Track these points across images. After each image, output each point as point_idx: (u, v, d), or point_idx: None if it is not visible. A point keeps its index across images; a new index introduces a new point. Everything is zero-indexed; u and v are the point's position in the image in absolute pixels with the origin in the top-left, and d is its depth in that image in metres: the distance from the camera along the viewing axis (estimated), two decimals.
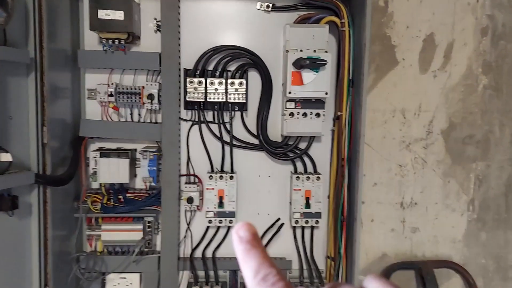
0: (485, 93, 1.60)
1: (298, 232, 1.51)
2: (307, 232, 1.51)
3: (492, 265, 1.67)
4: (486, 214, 1.65)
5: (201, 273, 1.48)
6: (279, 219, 1.50)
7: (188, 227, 1.49)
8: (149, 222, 1.45)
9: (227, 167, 1.48)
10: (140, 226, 1.43)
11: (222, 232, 1.50)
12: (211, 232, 1.50)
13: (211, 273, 1.48)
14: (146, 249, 1.46)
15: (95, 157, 1.37)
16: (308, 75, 1.34)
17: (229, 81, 1.40)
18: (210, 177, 1.44)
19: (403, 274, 1.65)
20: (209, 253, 1.50)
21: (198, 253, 1.49)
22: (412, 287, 1.67)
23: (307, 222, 1.46)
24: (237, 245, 0.29)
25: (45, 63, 1.17)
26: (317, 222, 1.47)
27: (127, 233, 1.42)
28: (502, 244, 1.67)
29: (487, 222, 1.65)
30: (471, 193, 1.64)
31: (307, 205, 1.46)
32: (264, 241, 1.48)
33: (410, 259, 1.64)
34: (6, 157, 1.04)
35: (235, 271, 1.50)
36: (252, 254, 0.28)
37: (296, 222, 1.47)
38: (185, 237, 1.49)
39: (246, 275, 0.28)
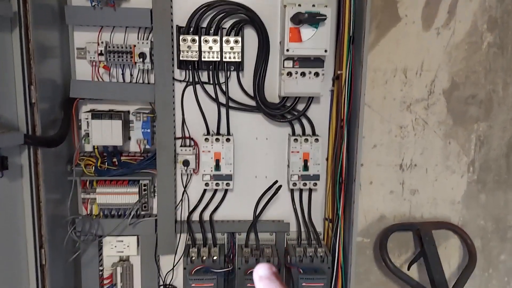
0: (489, 51, 1.55)
1: (296, 194, 1.50)
2: (305, 195, 1.50)
3: (491, 226, 1.67)
4: (486, 175, 1.63)
5: (198, 236, 1.47)
6: (276, 181, 1.48)
7: (185, 190, 1.47)
8: (144, 185, 1.42)
9: (223, 130, 1.45)
10: (136, 189, 1.40)
11: (219, 195, 1.48)
12: (208, 195, 1.48)
13: (209, 235, 1.47)
14: (142, 212, 1.45)
15: (86, 118, 1.33)
16: (307, 31, 1.28)
17: (224, 38, 1.34)
18: (206, 139, 1.41)
19: (402, 236, 1.65)
20: (206, 216, 1.49)
21: (195, 216, 1.48)
22: (410, 248, 1.67)
23: (305, 184, 1.44)
24: (257, 284, 0.32)
25: (29, 18, 1.11)
26: (315, 184, 1.45)
27: (122, 196, 1.40)
28: (502, 205, 1.66)
29: (487, 183, 1.64)
30: (471, 154, 1.61)
31: (305, 168, 1.43)
32: (262, 204, 1.46)
33: (409, 220, 1.64)
34: None
35: (232, 234, 1.50)
36: (271, 286, 0.32)
37: (294, 184, 1.45)
38: (181, 200, 1.48)
39: None
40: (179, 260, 1.47)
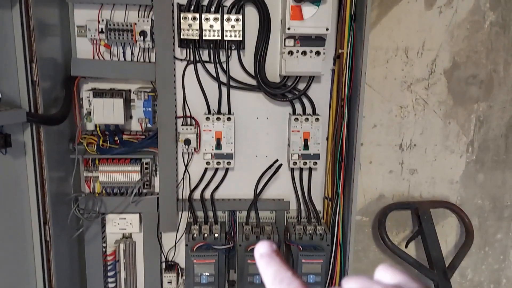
0: (491, 30, 1.54)
1: (296, 173, 1.51)
2: (305, 174, 1.51)
3: (488, 205, 1.69)
4: (485, 155, 1.64)
5: (200, 214, 1.49)
6: (277, 160, 1.49)
7: (186, 169, 1.49)
8: (146, 163, 1.44)
9: (224, 109, 1.45)
10: (138, 168, 1.41)
11: (220, 174, 1.50)
12: (209, 174, 1.49)
13: (210, 213, 1.49)
14: (144, 190, 1.47)
15: (88, 97, 1.33)
16: (308, 9, 1.27)
17: (225, 17, 1.33)
18: (207, 118, 1.41)
19: (400, 214, 1.68)
20: (207, 195, 1.50)
21: (197, 195, 1.50)
22: (408, 226, 1.70)
23: (305, 163, 1.46)
24: (258, 261, 0.33)
25: None
26: (315, 163, 1.46)
27: (124, 174, 1.41)
28: (500, 184, 1.68)
29: (486, 163, 1.65)
30: (471, 135, 1.62)
31: (306, 147, 1.44)
32: (262, 183, 1.48)
33: (407, 200, 1.66)
34: None
35: (233, 212, 1.52)
36: (270, 264, 0.32)
37: (294, 163, 1.46)
38: (183, 178, 1.49)
39: (266, 282, 0.31)
40: (181, 237, 1.50)
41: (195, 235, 1.42)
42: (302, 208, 1.53)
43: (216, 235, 1.43)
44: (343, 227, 1.44)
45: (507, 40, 1.55)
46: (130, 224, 1.48)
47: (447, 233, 1.71)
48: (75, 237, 1.41)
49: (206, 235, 1.42)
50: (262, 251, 0.33)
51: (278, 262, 0.32)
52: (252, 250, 1.39)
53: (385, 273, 0.30)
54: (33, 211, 1.19)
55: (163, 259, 1.54)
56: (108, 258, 1.51)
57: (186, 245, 1.42)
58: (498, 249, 1.74)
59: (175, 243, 1.52)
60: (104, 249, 1.51)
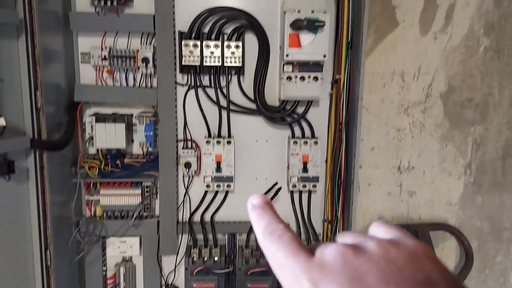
0: (486, 55, 1.57)
1: (296, 196, 1.52)
2: (305, 196, 1.52)
3: (487, 227, 1.70)
4: (482, 177, 1.66)
5: (200, 237, 1.50)
6: (276, 183, 1.51)
7: (187, 192, 1.50)
8: (147, 187, 1.45)
9: (224, 132, 1.47)
10: (138, 191, 1.43)
11: (220, 196, 1.51)
12: (209, 196, 1.51)
13: (210, 236, 1.50)
14: (145, 214, 1.48)
15: (90, 122, 1.36)
16: (306, 37, 1.31)
17: (225, 44, 1.37)
18: (208, 142, 1.43)
19: None
20: (207, 217, 1.51)
21: (197, 218, 1.51)
22: None
23: (304, 186, 1.47)
24: (250, 212, 0.32)
25: (35, 24, 1.13)
26: (314, 186, 1.47)
27: (125, 197, 1.42)
28: (498, 206, 1.69)
29: (483, 185, 1.66)
30: (468, 157, 1.64)
31: (305, 170, 1.46)
32: None
33: (406, 222, 1.67)
34: (0, 122, 1.03)
35: (233, 234, 1.52)
36: (262, 216, 0.32)
37: (294, 186, 1.47)
38: (183, 201, 1.50)
39: (257, 234, 0.31)
40: (181, 260, 1.50)
41: (195, 259, 1.43)
42: (302, 230, 1.53)
43: (215, 258, 1.44)
44: None
45: (502, 64, 1.58)
46: (131, 247, 1.48)
47: (447, 256, 1.71)
48: (76, 261, 1.42)
49: (205, 258, 1.43)
50: (255, 202, 0.33)
51: (270, 214, 0.32)
52: (252, 274, 1.40)
53: (380, 229, 0.30)
54: (35, 236, 1.20)
55: (163, 282, 1.54)
56: (108, 281, 1.51)
57: (186, 269, 1.42)
58: (498, 272, 1.74)
59: (175, 267, 1.52)
60: (104, 273, 1.51)
